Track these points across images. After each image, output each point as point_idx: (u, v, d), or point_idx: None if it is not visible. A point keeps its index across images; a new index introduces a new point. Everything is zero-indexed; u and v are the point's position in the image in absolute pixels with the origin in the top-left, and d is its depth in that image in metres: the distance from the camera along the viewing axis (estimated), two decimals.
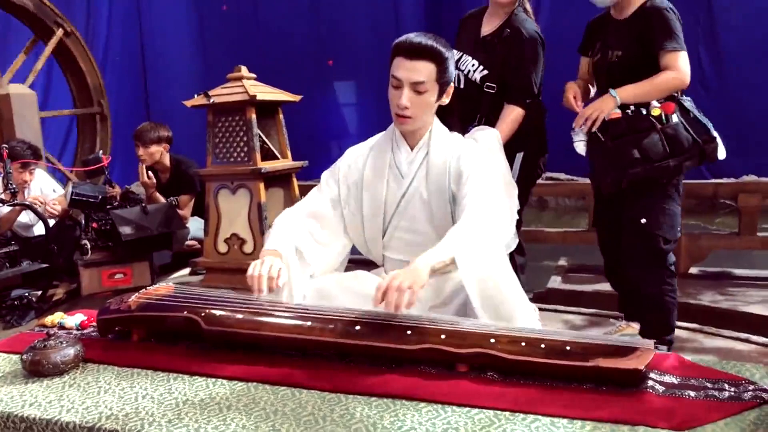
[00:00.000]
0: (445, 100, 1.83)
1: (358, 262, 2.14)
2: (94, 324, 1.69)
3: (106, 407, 1.28)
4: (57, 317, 1.79)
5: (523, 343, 1.32)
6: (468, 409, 1.20)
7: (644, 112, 2.27)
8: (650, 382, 1.24)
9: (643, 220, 2.33)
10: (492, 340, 1.33)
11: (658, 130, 2.24)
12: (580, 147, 2.44)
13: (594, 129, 2.33)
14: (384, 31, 6.58)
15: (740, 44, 6.56)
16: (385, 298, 1.47)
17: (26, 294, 3.36)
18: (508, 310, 1.54)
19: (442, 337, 1.36)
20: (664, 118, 2.25)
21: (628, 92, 2.30)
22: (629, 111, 2.29)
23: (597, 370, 1.25)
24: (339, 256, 1.97)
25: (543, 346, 1.31)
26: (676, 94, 2.32)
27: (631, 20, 2.36)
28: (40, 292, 3.47)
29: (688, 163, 2.29)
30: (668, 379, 1.26)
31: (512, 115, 2.61)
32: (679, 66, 2.26)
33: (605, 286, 3.49)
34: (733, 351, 2.63)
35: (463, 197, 1.78)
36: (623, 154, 2.27)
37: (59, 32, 5.29)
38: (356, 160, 1.93)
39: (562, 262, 4.09)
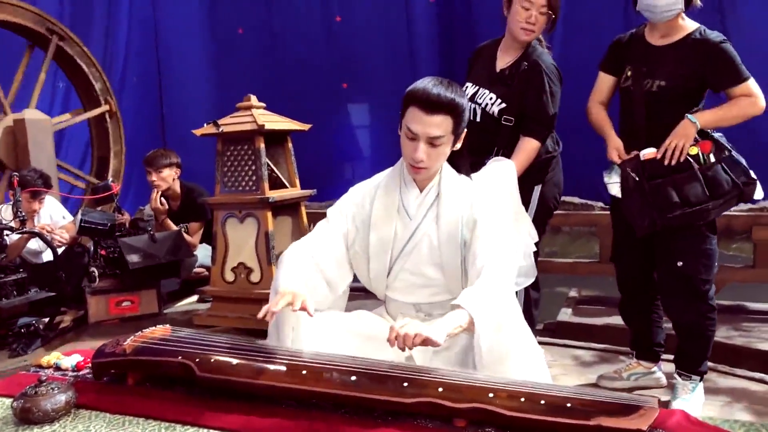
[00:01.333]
0: (458, 146, 1.81)
1: (359, 289, 2.11)
2: (90, 365, 1.67)
3: None
4: (53, 357, 1.77)
5: (522, 399, 1.28)
6: None
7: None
8: None
9: (680, 263, 2.29)
10: (490, 395, 1.29)
11: (696, 170, 2.19)
12: (615, 189, 2.37)
13: (682, 159, 2.21)
14: (398, 56, 6.60)
15: (757, 65, 6.48)
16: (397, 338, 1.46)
17: (33, 322, 3.35)
18: (513, 362, 1.52)
19: (440, 390, 1.33)
20: (702, 158, 2.20)
21: (707, 118, 2.22)
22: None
23: (599, 430, 1.20)
24: (344, 294, 1.95)
25: (543, 402, 1.27)
26: (710, 131, 2.27)
27: (677, 50, 2.27)
28: (47, 320, 3.47)
29: (726, 205, 2.24)
30: None
31: (528, 147, 2.58)
32: (754, 92, 2.22)
33: (616, 320, 3.42)
34: (747, 392, 2.55)
35: (472, 242, 1.75)
36: (661, 197, 2.21)
37: (54, 39, 5.22)
38: (363, 198, 1.91)
39: (573, 293, 4.03)
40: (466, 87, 2.75)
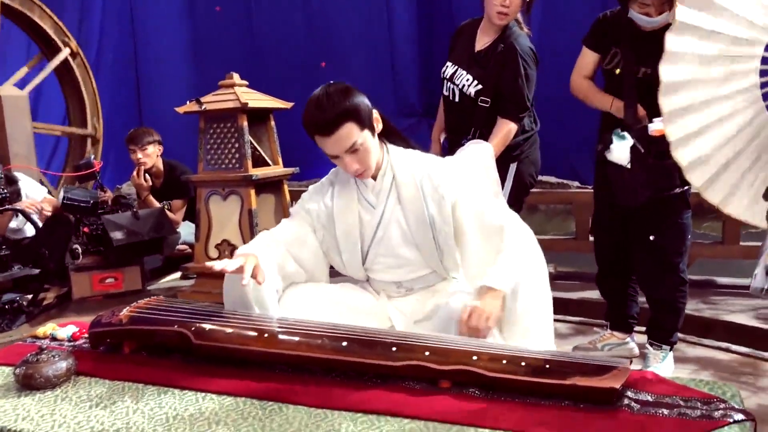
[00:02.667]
0: (379, 127, 1.81)
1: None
2: (86, 335, 1.72)
3: (97, 422, 1.31)
4: (49, 328, 1.81)
5: (504, 361, 1.36)
6: (449, 426, 1.24)
7: None
8: (626, 401, 1.28)
9: (652, 237, 2.37)
10: (474, 357, 1.37)
11: None
12: (624, 156, 2.29)
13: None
14: (377, 31, 6.60)
15: None
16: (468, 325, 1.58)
17: (17, 298, 3.36)
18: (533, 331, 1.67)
19: (426, 353, 1.40)
20: None
21: None
22: None
23: (575, 389, 1.29)
24: (321, 275, 1.97)
25: (523, 363, 1.35)
26: None
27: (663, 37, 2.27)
28: (30, 296, 3.48)
29: None
30: (644, 396, 1.31)
31: (504, 129, 2.65)
32: None
33: (591, 294, 3.54)
34: (714, 360, 2.69)
35: (465, 221, 1.80)
36: (664, 176, 2.23)
37: (66, 51, 5.27)
38: (322, 197, 1.91)
39: (550, 269, 4.11)
40: (446, 66, 2.81)
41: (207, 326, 1.56)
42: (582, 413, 1.26)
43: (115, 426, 1.29)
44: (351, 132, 1.69)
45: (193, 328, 1.55)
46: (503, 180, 2.63)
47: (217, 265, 1.61)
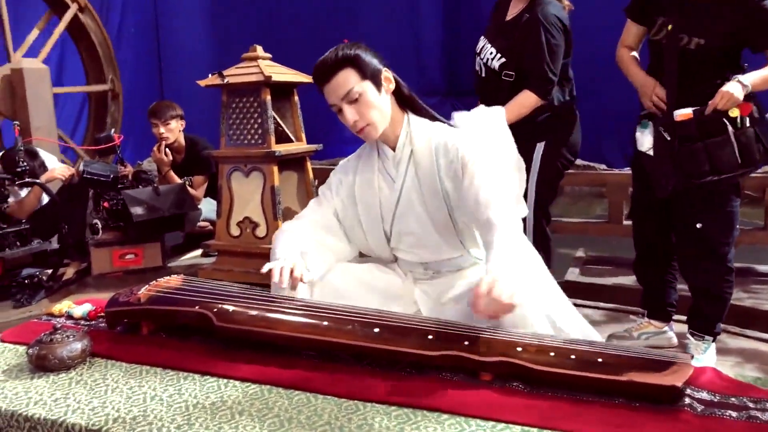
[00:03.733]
0: (391, 86, 1.72)
1: None
2: (103, 314, 1.64)
3: (113, 408, 1.22)
4: (65, 306, 1.74)
5: (551, 353, 1.25)
6: (493, 423, 1.13)
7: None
8: (687, 400, 1.17)
9: (699, 225, 2.23)
10: (518, 349, 1.26)
11: (731, 135, 2.09)
12: (645, 145, 2.26)
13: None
14: (401, 9, 6.44)
15: None
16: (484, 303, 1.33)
17: (37, 273, 3.32)
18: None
19: (465, 343, 1.30)
20: (739, 121, 2.10)
21: (755, 80, 2.09)
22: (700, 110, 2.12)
23: (631, 385, 1.18)
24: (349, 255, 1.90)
25: (573, 356, 1.24)
26: (753, 94, 2.16)
27: (718, 6, 2.12)
28: (50, 272, 3.43)
29: (752, 171, 2.20)
30: (706, 396, 1.19)
31: (523, 98, 2.51)
32: None
33: (625, 280, 3.42)
34: (758, 352, 2.55)
35: (467, 190, 1.65)
36: (691, 162, 2.13)
37: (74, 7, 5.23)
38: (346, 173, 1.85)
39: (580, 253, 4.01)
40: (479, 41, 2.68)
41: (230, 307, 1.47)
42: (638, 413, 1.14)
43: (131, 413, 1.20)
44: (348, 78, 1.64)
45: (215, 309, 1.46)
46: (528, 162, 2.49)
47: (272, 277, 1.57)
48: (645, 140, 2.28)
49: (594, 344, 1.31)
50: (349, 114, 1.66)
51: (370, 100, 1.66)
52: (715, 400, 1.18)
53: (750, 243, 3.61)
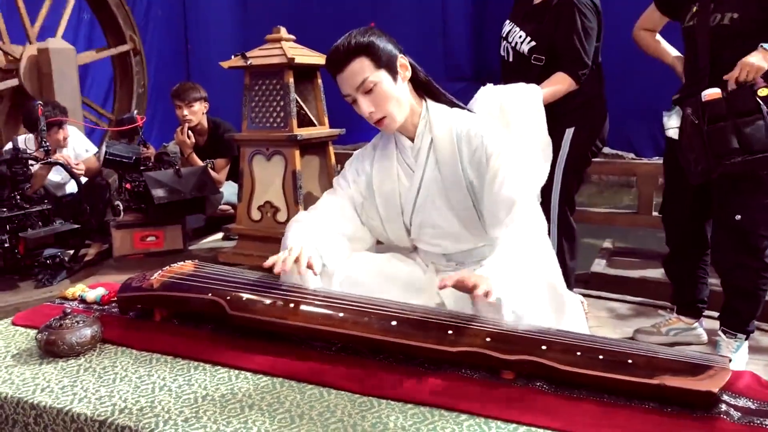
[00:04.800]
0: (407, 74, 1.63)
1: None
2: (115, 299, 1.60)
3: (120, 398, 1.18)
4: (78, 290, 1.71)
5: (578, 353, 1.18)
6: (515, 426, 1.07)
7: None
8: (723, 407, 1.09)
9: (738, 217, 2.15)
10: (543, 347, 1.20)
11: (765, 114, 2.00)
12: (673, 131, 2.20)
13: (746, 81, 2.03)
14: None
15: None
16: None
17: (58, 253, 3.31)
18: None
19: (487, 340, 1.23)
20: None
21: None
22: (730, 89, 2.05)
23: (663, 389, 1.10)
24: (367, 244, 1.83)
25: (601, 357, 1.17)
26: None
27: None
28: (72, 252, 3.43)
29: None
30: (744, 403, 1.11)
31: (558, 78, 2.43)
32: None
33: (653, 273, 3.33)
34: None
35: (488, 183, 1.60)
36: (720, 142, 2.04)
37: None
38: (363, 163, 1.78)
39: (607, 244, 3.91)
40: (505, 24, 2.59)
41: (244, 296, 1.42)
42: (670, 419, 1.07)
43: (138, 404, 1.16)
44: (362, 67, 1.55)
45: (228, 297, 1.41)
46: (557, 148, 2.43)
47: (275, 268, 1.47)
48: (671, 124, 2.21)
49: (624, 343, 1.24)
50: (365, 105, 1.59)
51: (386, 90, 1.58)
52: (754, 407, 1.10)
53: None
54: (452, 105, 1.73)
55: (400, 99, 1.61)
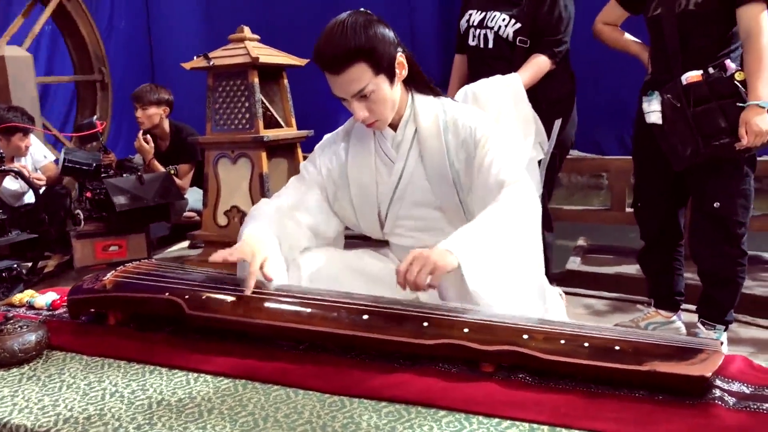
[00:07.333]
0: (404, 73, 1.54)
1: (356, 237, 1.97)
2: (65, 303, 1.49)
3: (66, 407, 1.08)
4: (26, 295, 1.59)
5: (562, 341, 1.11)
6: (498, 420, 0.99)
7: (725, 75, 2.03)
8: (717, 392, 1.02)
9: (716, 204, 2.12)
10: (525, 336, 1.12)
11: (744, 95, 1.98)
12: (654, 116, 2.15)
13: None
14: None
15: None
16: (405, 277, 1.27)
17: (15, 265, 3.16)
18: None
19: (465, 330, 1.15)
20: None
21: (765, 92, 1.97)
22: (711, 72, 2.04)
23: (653, 376, 1.03)
24: (338, 240, 1.75)
25: (586, 344, 1.10)
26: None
27: None
28: (30, 264, 3.28)
29: None
30: (738, 387, 1.05)
31: (538, 61, 2.42)
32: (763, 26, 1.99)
33: (627, 269, 3.29)
34: None
35: (476, 170, 1.53)
36: (708, 123, 2.01)
37: None
38: (336, 150, 1.68)
39: (581, 242, 3.87)
40: (469, 15, 2.53)
41: (203, 294, 1.32)
42: (661, 407, 1.00)
43: (86, 412, 1.06)
44: (362, 75, 1.44)
45: (186, 296, 1.31)
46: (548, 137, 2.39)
47: (216, 259, 1.38)
48: (653, 110, 2.15)
49: (610, 330, 1.17)
50: (359, 110, 1.49)
51: (383, 96, 1.49)
52: (749, 392, 1.04)
53: (761, 230, 3.46)
54: (437, 95, 1.66)
55: (395, 101, 1.54)
